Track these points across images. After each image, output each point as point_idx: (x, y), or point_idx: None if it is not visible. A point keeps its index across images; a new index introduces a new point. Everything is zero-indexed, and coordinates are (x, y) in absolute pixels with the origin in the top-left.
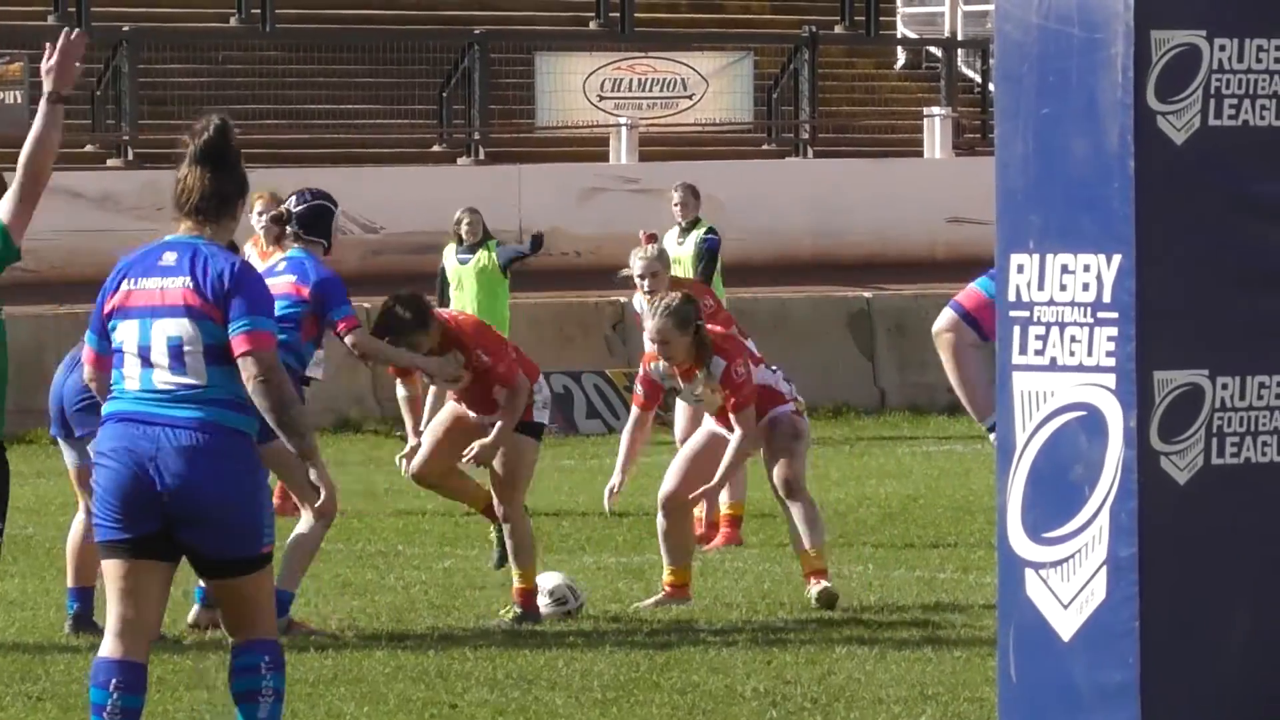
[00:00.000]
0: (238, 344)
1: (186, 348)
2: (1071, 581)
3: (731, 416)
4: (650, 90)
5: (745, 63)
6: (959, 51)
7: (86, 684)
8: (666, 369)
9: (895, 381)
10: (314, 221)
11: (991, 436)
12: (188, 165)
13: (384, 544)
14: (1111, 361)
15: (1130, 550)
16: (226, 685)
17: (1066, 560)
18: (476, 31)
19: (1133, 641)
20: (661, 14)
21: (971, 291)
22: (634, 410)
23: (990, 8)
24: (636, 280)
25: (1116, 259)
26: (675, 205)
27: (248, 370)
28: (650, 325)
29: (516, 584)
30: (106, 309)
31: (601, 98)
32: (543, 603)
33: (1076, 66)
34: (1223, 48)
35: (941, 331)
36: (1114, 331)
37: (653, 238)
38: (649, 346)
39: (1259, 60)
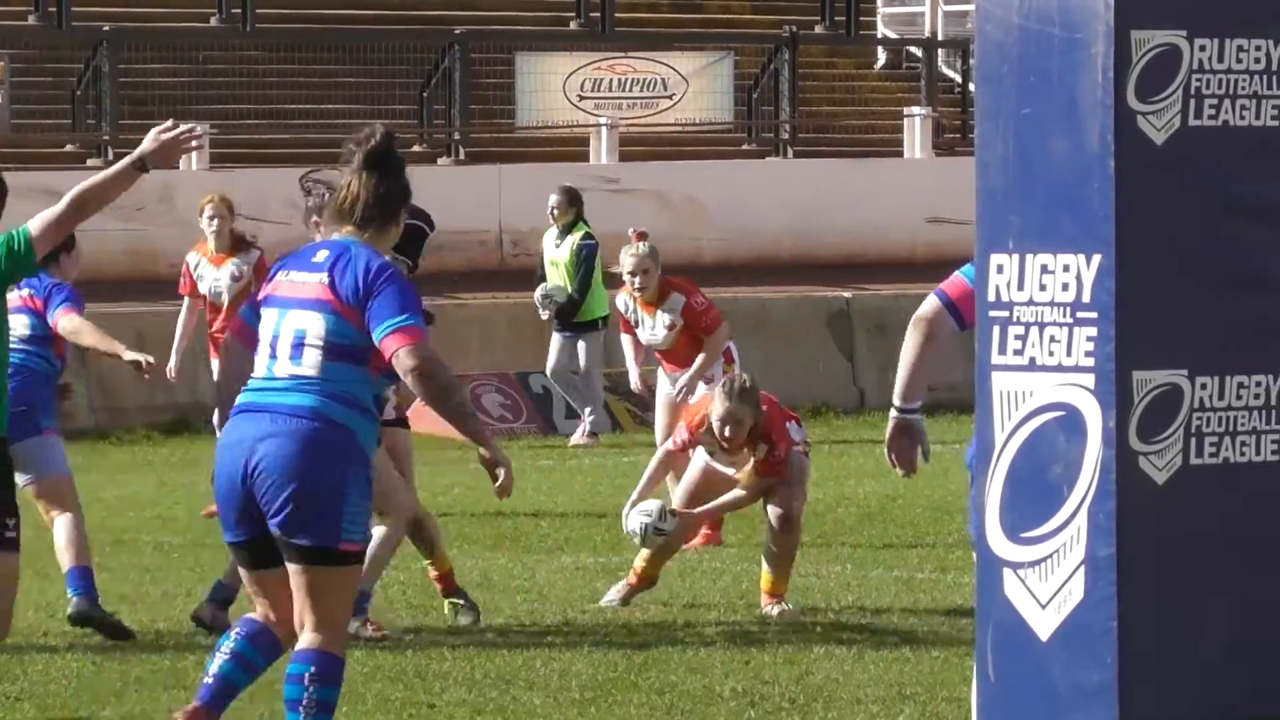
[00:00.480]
0: (388, 345)
1: (309, 340)
2: (1050, 581)
3: (754, 476)
4: (630, 90)
5: (725, 63)
6: (939, 51)
7: (64, 684)
8: (711, 440)
9: (875, 381)
10: (405, 241)
11: (893, 413)
12: (352, 173)
13: None
14: (1090, 361)
15: (1108, 550)
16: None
17: (1045, 560)
18: (457, 31)
19: (1110, 641)
20: (642, 14)
21: (956, 280)
22: (670, 444)
23: (971, 8)
24: (626, 277)
25: (1096, 259)
26: (551, 209)
27: (403, 365)
28: (721, 407)
29: (433, 573)
30: (262, 294)
31: (582, 98)
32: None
33: (1057, 67)
34: (1203, 48)
35: (923, 317)
36: (1093, 331)
37: (643, 235)
38: (716, 411)
39: (1239, 60)
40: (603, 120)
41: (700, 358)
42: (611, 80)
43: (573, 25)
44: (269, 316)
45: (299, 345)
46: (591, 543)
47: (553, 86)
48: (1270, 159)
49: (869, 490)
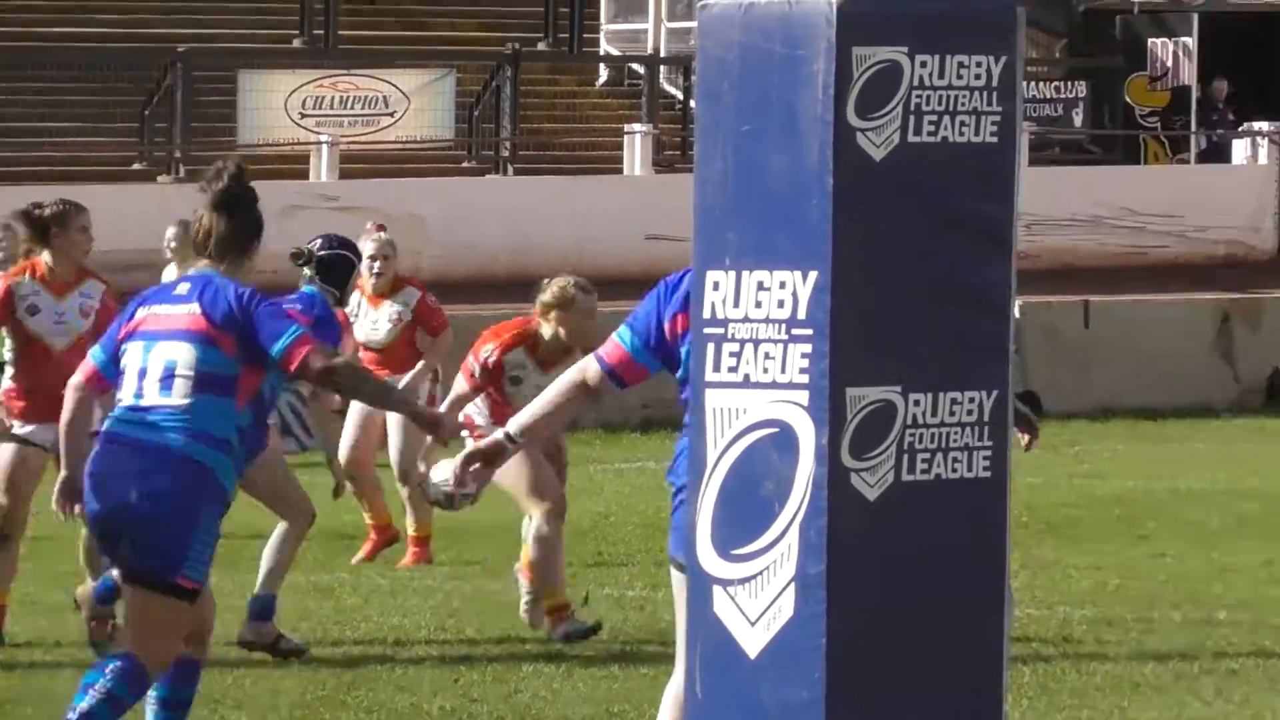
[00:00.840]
0: (289, 357)
1: (180, 371)
2: (759, 599)
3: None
4: (352, 108)
5: (448, 80)
6: (661, 68)
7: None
8: (528, 357)
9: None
10: (332, 271)
11: (500, 434)
12: (204, 208)
13: (75, 563)
14: (805, 378)
15: (819, 567)
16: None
17: (755, 577)
18: (180, 49)
19: (819, 659)
20: (365, 31)
21: (614, 345)
22: (463, 387)
23: (693, 25)
24: (365, 263)
25: (813, 276)
26: (168, 242)
27: (314, 368)
28: (584, 304)
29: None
30: (121, 334)
31: (303, 115)
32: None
33: (777, 83)
34: (924, 64)
35: (585, 383)
36: (808, 348)
37: (381, 227)
38: (571, 315)
39: (960, 76)
40: (324, 138)
41: (421, 362)
42: (333, 98)
43: (296, 43)
44: (135, 350)
45: (169, 376)
46: (303, 562)
47: (274, 104)
48: (989, 175)
49: (582, 508)
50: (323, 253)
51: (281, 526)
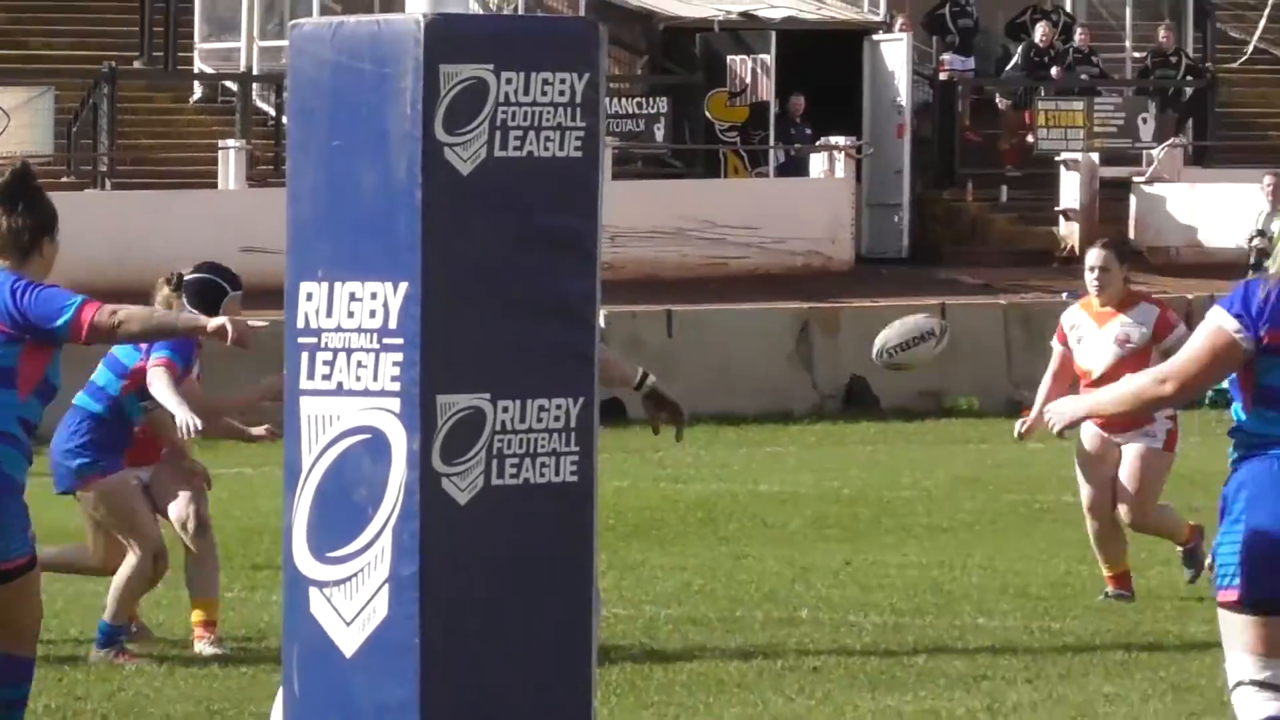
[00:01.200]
0: (76, 326)
1: None
2: (355, 600)
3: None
4: None
5: (46, 97)
6: (254, 86)
7: None
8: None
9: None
10: (203, 297)
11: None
12: None
13: None
14: (396, 386)
15: (411, 569)
16: None
17: (350, 579)
18: None
19: (413, 658)
20: None
21: None
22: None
23: (286, 44)
24: None
25: (403, 287)
26: None
27: (103, 329)
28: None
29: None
30: None
31: None
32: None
33: (367, 101)
34: (509, 81)
35: None
36: (399, 357)
37: None
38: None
39: (544, 93)
40: None
41: None
42: None
43: None
44: None
45: None
46: None
47: None
48: (573, 189)
49: None
50: (189, 276)
51: (129, 560)
